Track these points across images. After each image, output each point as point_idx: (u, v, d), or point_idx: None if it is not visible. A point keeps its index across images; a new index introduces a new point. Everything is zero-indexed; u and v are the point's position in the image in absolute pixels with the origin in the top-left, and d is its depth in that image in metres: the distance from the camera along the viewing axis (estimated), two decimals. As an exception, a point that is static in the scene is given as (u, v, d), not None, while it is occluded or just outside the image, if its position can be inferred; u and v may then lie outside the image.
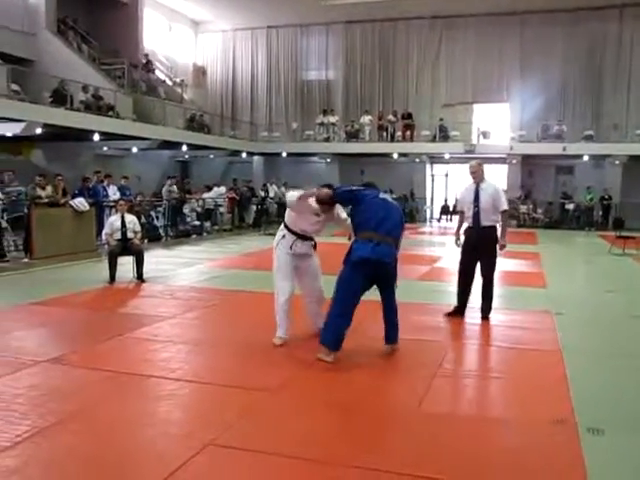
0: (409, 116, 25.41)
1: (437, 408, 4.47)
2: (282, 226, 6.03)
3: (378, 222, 5.42)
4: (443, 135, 24.68)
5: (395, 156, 25.29)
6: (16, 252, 12.70)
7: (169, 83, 25.95)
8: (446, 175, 26.95)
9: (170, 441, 3.87)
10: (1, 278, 10.30)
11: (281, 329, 5.92)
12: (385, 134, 25.42)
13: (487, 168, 7.38)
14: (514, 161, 24.12)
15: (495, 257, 7.13)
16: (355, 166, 26.54)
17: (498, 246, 7.02)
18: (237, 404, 4.47)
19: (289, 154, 26.21)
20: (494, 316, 7.26)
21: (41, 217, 12.52)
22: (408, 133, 25.07)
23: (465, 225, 7.31)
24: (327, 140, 25.90)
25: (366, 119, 25.73)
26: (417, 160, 25.76)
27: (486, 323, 7.06)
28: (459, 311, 7.31)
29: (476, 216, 6.99)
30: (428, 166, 26.70)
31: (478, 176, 7.13)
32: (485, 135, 24.45)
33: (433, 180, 27.31)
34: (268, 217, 21.61)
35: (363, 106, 26.85)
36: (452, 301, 7.63)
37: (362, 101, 27.39)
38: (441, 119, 24.89)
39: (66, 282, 9.73)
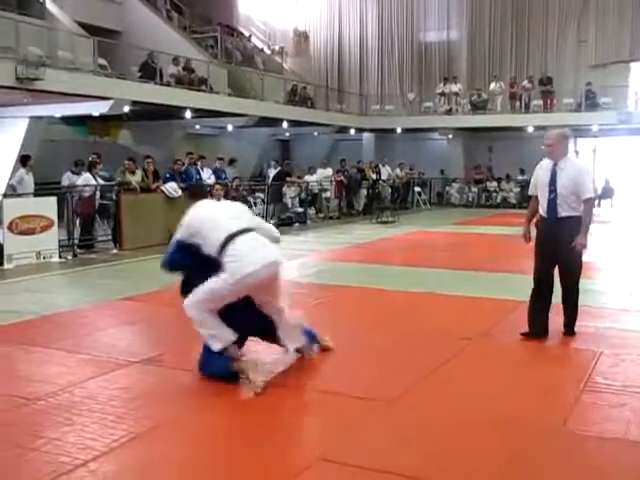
0: (548, 81, 24.64)
1: (587, 428, 4.35)
2: None
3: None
4: (591, 103, 23.74)
5: (530, 129, 24.60)
6: (102, 243, 13.47)
7: (267, 52, 26.49)
8: (594, 151, 25.91)
9: (277, 453, 3.99)
10: (90, 271, 10.96)
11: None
12: (518, 104, 24.79)
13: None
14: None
15: (577, 259, 6.16)
16: (482, 142, 26.11)
17: (575, 244, 5.99)
18: (350, 415, 4.53)
19: (404, 130, 26.10)
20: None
21: (131, 204, 13.19)
22: (547, 102, 24.32)
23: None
24: (449, 112, 25.57)
25: (495, 87, 25.19)
26: (558, 134, 24.92)
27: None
28: (535, 336, 6.33)
29: (552, 204, 6.11)
30: (571, 141, 25.75)
31: (557, 151, 6.20)
32: (645, 100, 23.30)
33: (577, 157, 26.31)
34: (380, 203, 21.65)
35: (492, 71, 26.32)
36: (598, 301, 7.38)
37: (491, 66, 26.84)
38: (588, 83, 23.95)
39: (158, 276, 10.10)
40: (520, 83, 24.93)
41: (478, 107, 25.20)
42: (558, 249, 6.07)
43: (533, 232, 6.44)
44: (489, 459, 3.90)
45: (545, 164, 6.28)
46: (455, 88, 25.80)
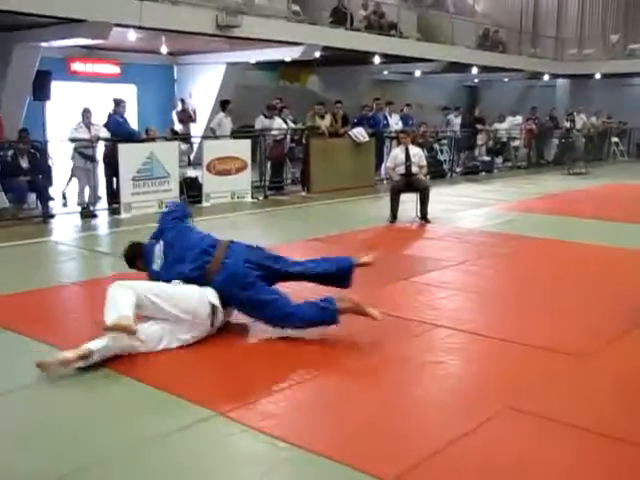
0: None
1: None
2: None
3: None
4: None
5: None
6: (291, 185, 13.96)
7: (459, -6, 25.72)
8: None
9: (462, 399, 4.01)
10: (279, 212, 11.42)
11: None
12: None
13: None
14: None
15: None
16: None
17: None
18: (540, 366, 4.45)
19: (604, 75, 24.47)
20: None
21: (319, 149, 13.49)
22: None
23: None
24: (657, 56, 23.63)
25: None
26: None
27: None
28: None
29: None
30: None
31: None
32: None
33: None
34: (573, 153, 20.59)
35: None
36: None
37: None
38: None
39: (344, 219, 10.44)
40: None
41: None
42: None
43: None
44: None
45: None
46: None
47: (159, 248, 5.18)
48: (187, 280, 4.90)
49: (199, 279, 4.89)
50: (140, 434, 3.53)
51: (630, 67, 23.69)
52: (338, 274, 5.23)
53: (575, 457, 3.36)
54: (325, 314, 4.82)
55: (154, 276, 5.11)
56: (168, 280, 4.93)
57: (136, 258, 5.38)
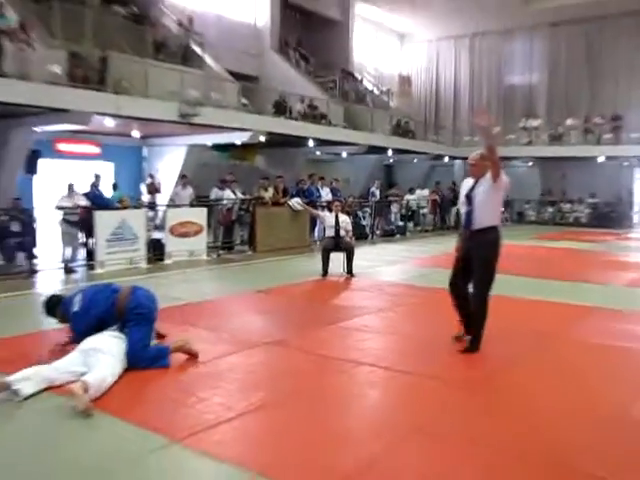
0: (617, 118, 23.36)
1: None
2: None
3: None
4: (656, 136, 22.29)
5: (601, 159, 23.38)
6: (240, 245, 13.86)
7: (376, 92, 26.48)
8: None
9: (377, 424, 3.99)
10: (230, 268, 11.30)
11: None
12: (591, 137, 23.65)
13: None
14: None
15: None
16: (557, 170, 25.06)
17: None
18: (440, 396, 4.48)
19: (491, 158, 25.39)
20: None
21: (263, 215, 13.51)
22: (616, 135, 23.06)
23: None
24: (529, 144, 24.70)
25: (571, 122, 24.12)
26: (625, 163, 23.60)
27: None
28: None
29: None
30: (638, 170, 24.33)
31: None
32: None
33: (643, 184, 24.79)
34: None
35: (568, 109, 25.20)
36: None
37: (567, 104, 25.70)
38: (654, 119, 22.49)
39: (284, 274, 10.40)
40: (592, 119, 23.77)
41: (555, 139, 24.21)
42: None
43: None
44: (586, 451, 3.69)
45: None
46: (535, 123, 24.91)
47: (79, 297, 5.18)
48: (101, 317, 4.98)
49: (111, 311, 4.99)
50: (98, 464, 3.36)
51: (508, 152, 24.57)
52: None
53: (478, 471, 3.35)
54: (159, 361, 4.95)
55: (74, 319, 5.08)
56: (86, 320, 4.98)
57: (55, 306, 5.33)
